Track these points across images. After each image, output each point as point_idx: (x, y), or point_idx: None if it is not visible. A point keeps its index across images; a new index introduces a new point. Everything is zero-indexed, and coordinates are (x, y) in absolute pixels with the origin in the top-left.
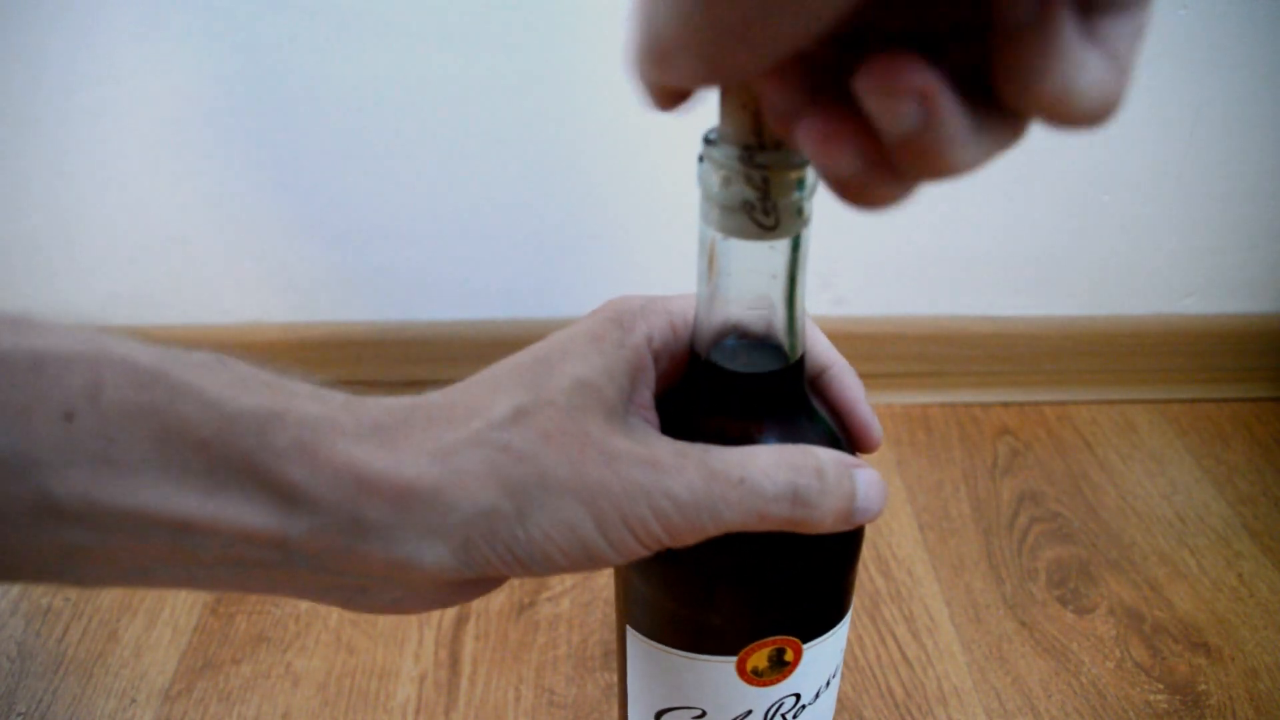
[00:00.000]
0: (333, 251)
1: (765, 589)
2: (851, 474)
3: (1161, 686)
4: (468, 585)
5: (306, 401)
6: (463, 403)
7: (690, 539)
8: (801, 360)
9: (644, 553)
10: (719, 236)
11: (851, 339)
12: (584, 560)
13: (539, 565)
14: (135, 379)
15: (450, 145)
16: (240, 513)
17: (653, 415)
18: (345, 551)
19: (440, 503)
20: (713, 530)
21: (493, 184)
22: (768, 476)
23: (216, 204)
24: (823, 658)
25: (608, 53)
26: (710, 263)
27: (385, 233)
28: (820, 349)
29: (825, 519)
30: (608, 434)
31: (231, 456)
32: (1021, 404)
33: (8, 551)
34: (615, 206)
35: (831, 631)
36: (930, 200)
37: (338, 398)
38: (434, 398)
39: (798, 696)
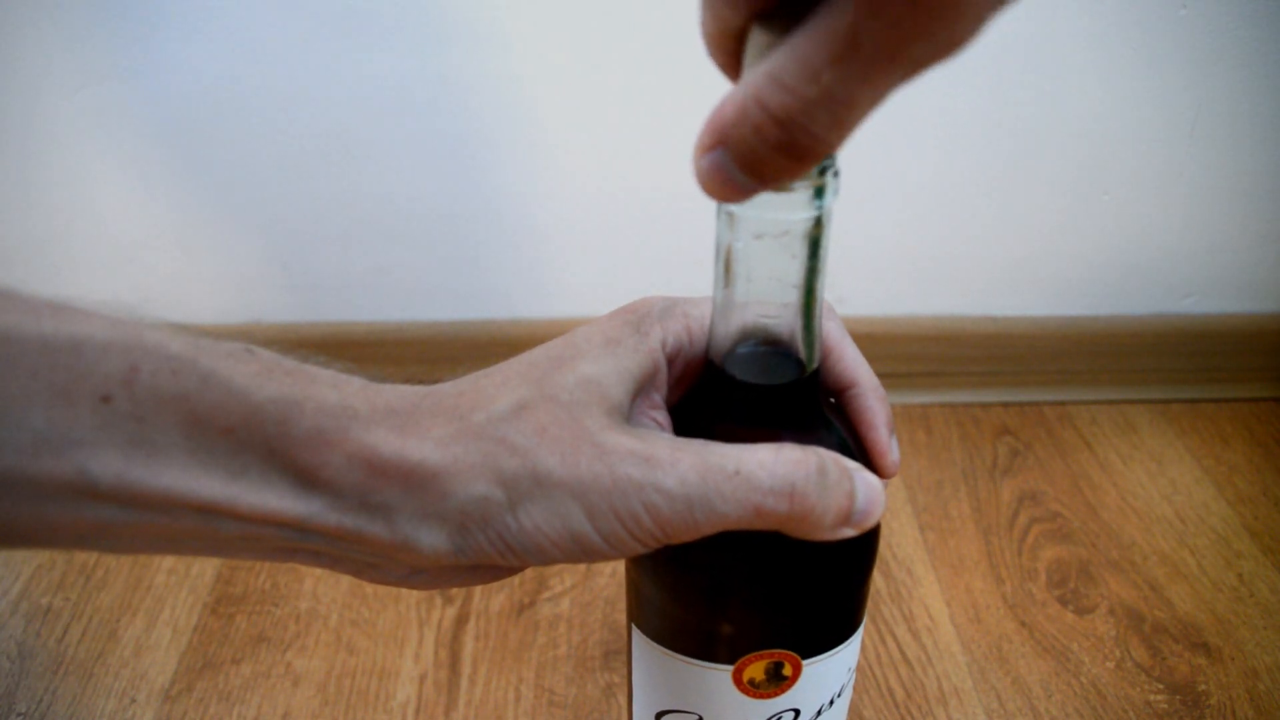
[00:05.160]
0: (333, 251)
1: (763, 599)
2: (852, 476)
3: (1161, 686)
4: (474, 570)
5: (325, 389)
6: (471, 393)
7: (685, 534)
8: (817, 371)
9: (641, 548)
10: (735, 242)
11: (853, 338)
12: (577, 552)
13: (531, 555)
14: (168, 366)
15: (451, 146)
16: (261, 496)
17: (664, 417)
18: (355, 531)
19: (438, 488)
20: (707, 525)
21: (493, 185)
22: (764, 469)
23: (217, 204)
24: (825, 675)
25: (608, 55)
26: (726, 269)
27: (385, 233)
28: (849, 365)
29: (824, 518)
30: (605, 430)
31: (254, 443)
32: (1021, 404)
33: (46, 524)
34: (615, 208)
35: (836, 650)
36: (931, 200)
37: (355, 383)
38: (446, 387)
39: (797, 712)
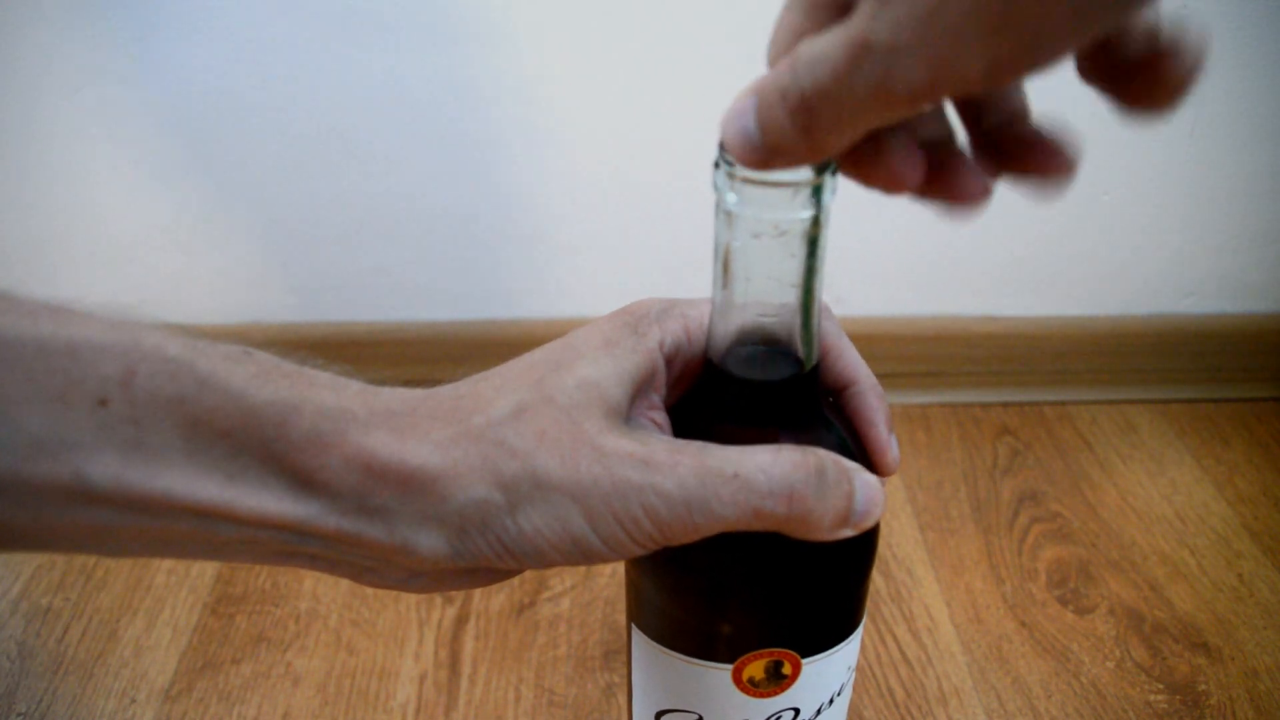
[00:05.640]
0: (333, 251)
1: (763, 598)
2: (851, 476)
3: (1161, 686)
4: (472, 573)
5: (324, 392)
6: (470, 397)
7: (684, 536)
8: (816, 370)
9: (640, 550)
10: (734, 242)
11: (852, 339)
12: (577, 554)
13: (530, 557)
14: (165, 369)
15: (450, 146)
16: (258, 499)
17: (662, 418)
18: (353, 535)
19: (437, 491)
20: (706, 527)
21: (493, 184)
22: (763, 472)
23: (216, 204)
24: (825, 674)
25: (608, 55)
26: (724, 268)
27: (385, 233)
28: (848, 364)
29: (823, 520)
30: (604, 433)
31: (252, 446)
32: (1021, 404)
33: (43, 527)
34: (615, 207)
35: (835, 649)
36: None
37: (353, 386)
38: (445, 391)
39: (796, 711)
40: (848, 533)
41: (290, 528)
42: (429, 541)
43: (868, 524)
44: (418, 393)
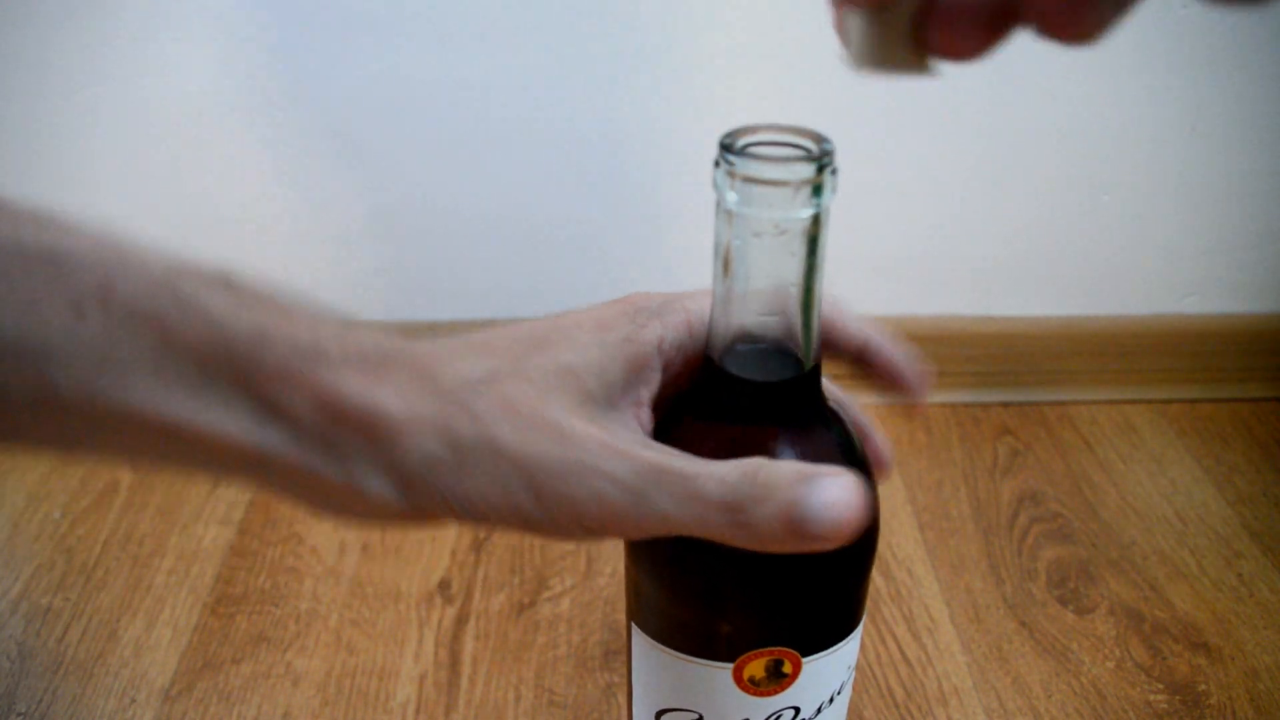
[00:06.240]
0: (333, 251)
1: (763, 597)
2: (809, 485)
3: (1161, 686)
4: (424, 518)
5: (300, 326)
6: (446, 355)
7: (628, 531)
8: (816, 369)
9: (583, 536)
10: (734, 241)
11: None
12: (519, 524)
13: (474, 517)
14: (145, 287)
15: (451, 145)
16: (223, 422)
17: (647, 414)
18: (308, 470)
19: (391, 439)
20: (650, 526)
21: (493, 184)
22: (715, 480)
23: (215, 204)
24: (825, 672)
25: (608, 53)
26: (725, 268)
27: (386, 233)
28: (851, 325)
29: (762, 536)
30: (570, 416)
31: (222, 370)
32: (1021, 404)
33: (7, 430)
34: (616, 207)
35: (836, 647)
36: (930, 200)
37: (331, 324)
38: (424, 344)
39: (797, 710)
40: (816, 547)
41: (249, 454)
42: (378, 487)
43: (834, 536)
44: (394, 341)
